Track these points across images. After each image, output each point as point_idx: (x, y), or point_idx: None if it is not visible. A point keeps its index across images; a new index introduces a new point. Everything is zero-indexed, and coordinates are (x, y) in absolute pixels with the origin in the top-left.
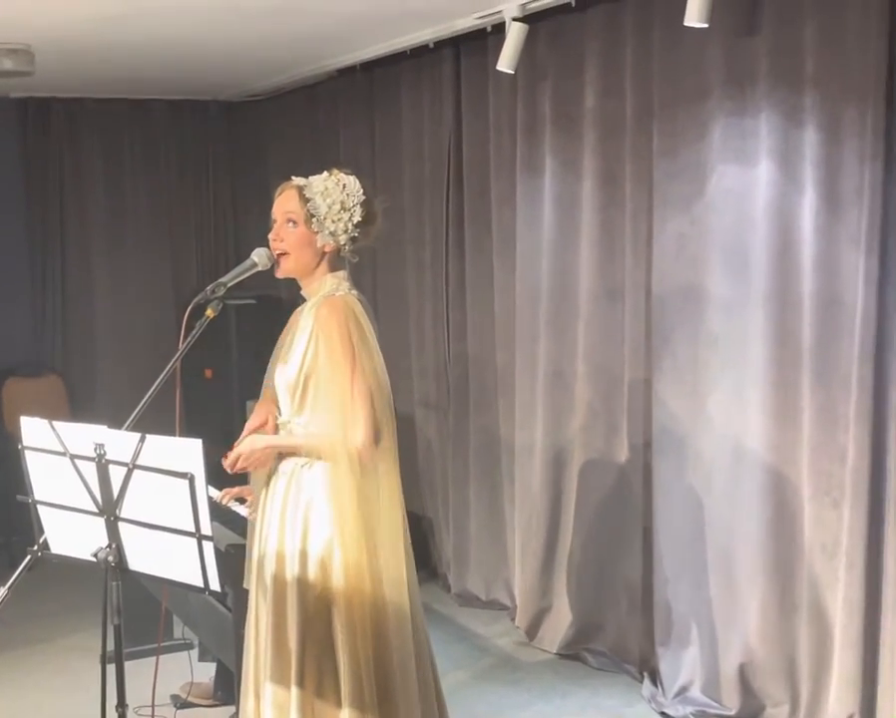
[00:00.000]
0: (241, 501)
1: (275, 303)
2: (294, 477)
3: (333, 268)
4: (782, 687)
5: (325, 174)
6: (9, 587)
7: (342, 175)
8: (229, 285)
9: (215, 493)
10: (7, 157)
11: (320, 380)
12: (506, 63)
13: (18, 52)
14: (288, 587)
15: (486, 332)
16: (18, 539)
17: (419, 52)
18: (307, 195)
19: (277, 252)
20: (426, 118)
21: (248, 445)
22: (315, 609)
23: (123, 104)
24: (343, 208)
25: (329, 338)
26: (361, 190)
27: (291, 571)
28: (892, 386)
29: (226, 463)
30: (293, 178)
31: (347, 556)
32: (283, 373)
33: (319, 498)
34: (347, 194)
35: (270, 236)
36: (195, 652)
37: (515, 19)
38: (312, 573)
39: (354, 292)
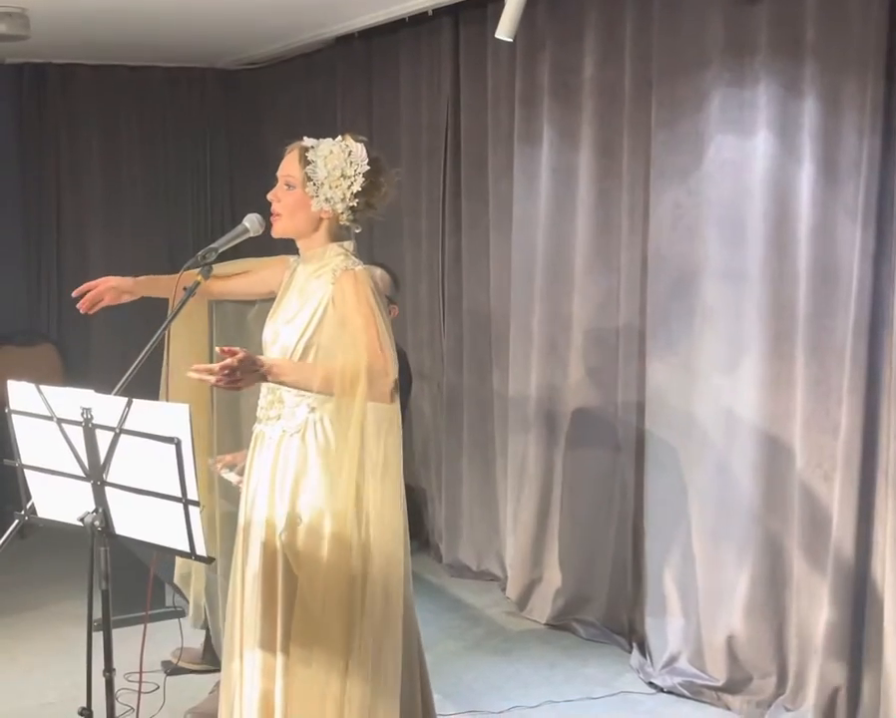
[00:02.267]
0: (232, 468)
1: None
2: (282, 444)
3: (336, 237)
4: (770, 659)
5: (339, 138)
6: None
7: (352, 141)
8: (221, 251)
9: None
10: (2, 123)
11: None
12: (505, 31)
13: (13, 15)
14: (277, 555)
15: (481, 304)
16: (8, 508)
17: (418, 20)
18: (309, 158)
19: (273, 213)
20: (424, 87)
21: (247, 363)
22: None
23: (119, 71)
24: (343, 176)
25: (357, 310)
26: (366, 160)
27: (280, 539)
28: (886, 360)
29: (217, 368)
30: (305, 138)
31: (337, 524)
32: (280, 333)
33: (312, 467)
34: (350, 162)
35: (269, 196)
36: (185, 620)
37: None
38: (301, 541)
39: (368, 267)
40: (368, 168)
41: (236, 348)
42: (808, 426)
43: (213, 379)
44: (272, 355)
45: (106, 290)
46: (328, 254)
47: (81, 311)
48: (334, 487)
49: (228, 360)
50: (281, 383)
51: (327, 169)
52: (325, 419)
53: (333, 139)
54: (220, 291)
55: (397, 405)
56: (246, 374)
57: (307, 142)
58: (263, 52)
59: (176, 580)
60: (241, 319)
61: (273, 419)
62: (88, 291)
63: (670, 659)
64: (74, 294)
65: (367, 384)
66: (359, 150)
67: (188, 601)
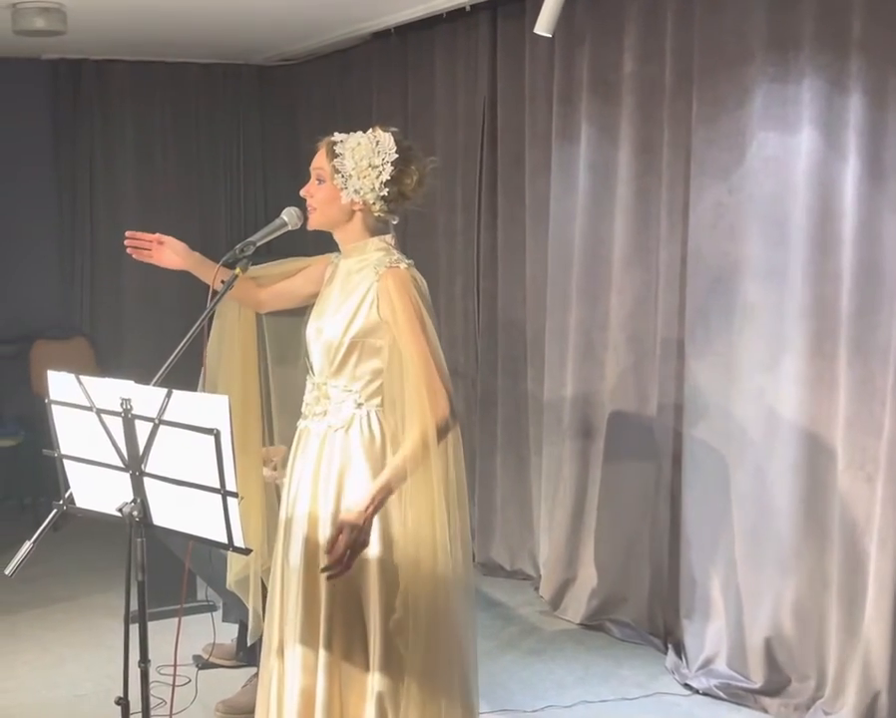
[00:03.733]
0: (267, 463)
1: None
2: (328, 439)
3: (373, 230)
4: (809, 662)
5: (369, 131)
6: (34, 541)
7: (381, 131)
8: (259, 244)
9: None
10: (38, 118)
11: (400, 353)
12: (543, 26)
13: (50, 11)
14: (320, 550)
15: (517, 301)
16: (45, 500)
17: (455, 16)
18: (337, 151)
19: (307, 208)
20: (461, 83)
21: (349, 529)
22: (347, 574)
23: (155, 67)
24: (371, 165)
25: (404, 315)
26: (394, 148)
27: (324, 535)
28: None
29: (331, 559)
30: (335, 133)
31: (383, 522)
32: (323, 329)
33: (356, 462)
34: (378, 152)
35: (302, 192)
36: (218, 614)
37: None
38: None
39: (412, 262)
40: (397, 156)
41: (332, 539)
42: (851, 426)
43: (337, 570)
44: (315, 349)
45: (158, 243)
46: (369, 248)
47: (127, 251)
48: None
49: (337, 551)
50: (384, 499)
51: (355, 160)
52: (371, 414)
53: (362, 132)
54: (267, 298)
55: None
56: (355, 535)
57: (336, 136)
58: (299, 48)
59: (230, 586)
60: (295, 331)
61: (319, 415)
62: (140, 237)
63: (706, 661)
64: (127, 234)
65: (434, 432)
66: (387, 139)
67: (221, 599)
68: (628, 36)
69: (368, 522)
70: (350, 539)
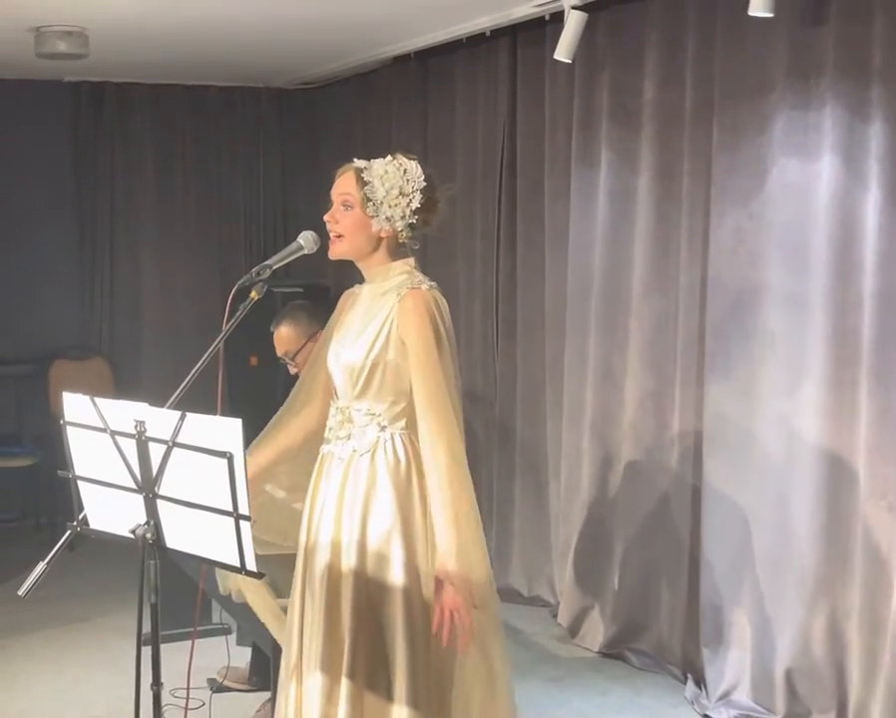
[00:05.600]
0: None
1: (323, 292)
2: (352, 464)
3: (395, 255)
4: (830, 694)
5: (388, 157)
6: (48, 562)
7: (404, 159)
8: (275, 268)
9: None
10: (58, 140)
11: (414, 382)
12: (564, 52)
13: (73, 34)
14: (343, 578)
15: (535, 326)
16: (62, 520)
17: (475, 41)
18: (366, 179)
19: (332, 235)
20: (480, 108)
21: (450, 602)
22: (370, 603)
23: (175, 89)
24: (402, 194)
25: (418, 335)
26: (422, 176)
27: (347, 562)
28: None
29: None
30: (355, 160)
31: (408, 550)
32: (346, 354)
33: (381, 486)
34: (407, 180)
35: (326, 218)
36: (232, 637)
37: (574, 7)
38: (369, 566)
39: (434, 284)
40: (425, 184)
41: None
42: (873, 455)
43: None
44: (338, 375)
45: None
46: (392, 272)
47: None
48: (407, 510)
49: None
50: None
51: (385, 188)
52: (396, 437)
53: (384, 159)
54: (321, 389)
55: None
56: (455, 599)
57: (359, 163)
58: (319, 71)
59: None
60: None
61: (343, 439)
62: None
63: (726, 691)
64: None
65: (449, 449)
66: (414, 167)
67: (236, 622)
68: (648, 62)
69: (456, 586)
70: (455, 610)
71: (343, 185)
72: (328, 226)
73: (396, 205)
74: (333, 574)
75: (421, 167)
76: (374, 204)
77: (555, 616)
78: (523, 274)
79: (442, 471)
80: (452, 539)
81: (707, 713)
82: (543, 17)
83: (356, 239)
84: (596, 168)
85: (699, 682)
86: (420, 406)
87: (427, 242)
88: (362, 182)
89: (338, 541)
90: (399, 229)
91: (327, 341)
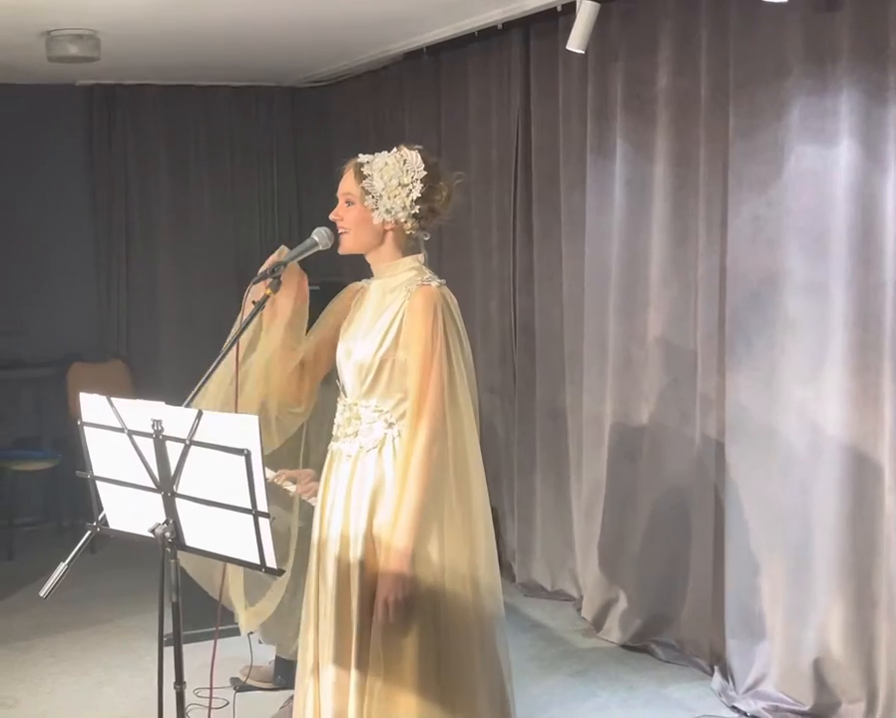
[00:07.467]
0: (295, 481)
1: (339, 290)
2: (360, 460)
3: (404, 249)
4: (859, 683)
5: (394, 150)
6: (68, 563)
7: (406, 150)
8: (289, 264)
9: (270, 473)
10: (73, 143)
11: (409, 378)
12: (576, 43)
13: (84, 37)
14: (352, 570)
15: (553, 318)
16: (83, 522)
17: (487, 34)
18: (365, 172)
19: (340, 231)
20: (494, 101)
21: (385, 587)
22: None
23: (188, 90)
24: (400, 184)
25: (421, 331)
26: (422, 166)
27: (355, 554)
28: None
29: (382, 617)
30: (360, 155)
31: (417, 542)
32: (354, 350)
33: (388, 481)
34: (406, 170)
35: (331, 216)
36: (255, 636)
37: None
38: (376, 558)
39: (443, 282)
40: (425, 173)
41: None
42: None
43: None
44: (346, 371)
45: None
46: (401, 268)
47: None
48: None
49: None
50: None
51: (384, 180)
52: (403, 433)
53: (388, 152)
54: (309, 357)
55: (473, 450)
56: (393, 590)
57: (362, 158)
58: (331, 69)
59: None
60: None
61: (351, 435)
62: None
63: (754, 683)
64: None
65: (427, 440)
66: (414, 157)
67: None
68: (662, 50)
69: (398, 577)
70: (391, 596)
71: (345, 183)
72: (336, 223)
73: (396, 197)
74: (342, 567)
75: (423, 156)
76: (373, 197)
77: (579, 610)
78: (539, 266)
79: (413, 467)
80: (410, 528)
81: (735, 705)
82: (555, 8)
83: (360, 233)
84: (611, 158)
85: (726, 674)
86: (410, 401)
87: (443, 235)
88: (361, 176)
89: (346, 535)
90: (403, 221)
91: (328, 324)
